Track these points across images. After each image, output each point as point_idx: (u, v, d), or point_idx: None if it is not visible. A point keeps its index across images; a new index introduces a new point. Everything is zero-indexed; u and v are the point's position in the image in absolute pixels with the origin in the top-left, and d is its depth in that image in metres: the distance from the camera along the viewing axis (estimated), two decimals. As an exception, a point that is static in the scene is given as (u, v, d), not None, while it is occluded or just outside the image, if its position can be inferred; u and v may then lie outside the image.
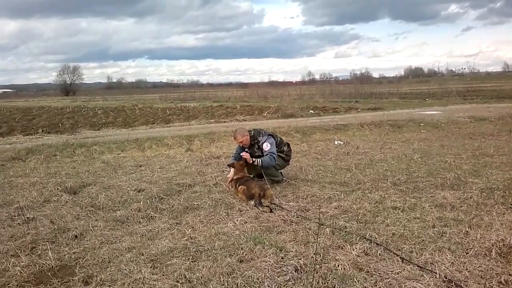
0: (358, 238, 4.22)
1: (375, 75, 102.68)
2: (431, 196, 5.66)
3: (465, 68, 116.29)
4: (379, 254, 3.85)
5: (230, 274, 3.53)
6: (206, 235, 4.49)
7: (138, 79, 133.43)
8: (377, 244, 4.04)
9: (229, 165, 6.73)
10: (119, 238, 4.56)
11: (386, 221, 4.73)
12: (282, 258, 3.80)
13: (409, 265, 3.62)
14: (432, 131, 13.17)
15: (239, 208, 5.48)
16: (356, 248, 3.94)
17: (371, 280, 3.38)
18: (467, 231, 4.32)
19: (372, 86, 44.10)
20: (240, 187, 5.93)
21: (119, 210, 5.53)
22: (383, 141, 11.24)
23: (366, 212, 5.08)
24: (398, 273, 3.47)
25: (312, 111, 22.42)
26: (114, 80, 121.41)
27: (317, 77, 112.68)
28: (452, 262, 3.64)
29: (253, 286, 3.35)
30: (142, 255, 4.03)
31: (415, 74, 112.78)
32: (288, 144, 7.07)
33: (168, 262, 3.82)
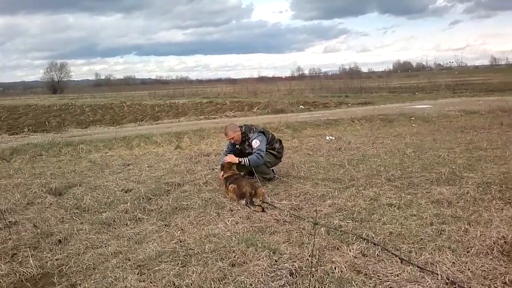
0: (354, 238, 4.06)
1: (364, 69, 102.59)
2: (427, 192, 5.52)
3: (453, 62, 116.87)
4: (377, 255, 3.69)
5: (221, 280, 3.35)
6: (196, 238, 4.30)
7: (127, 75, 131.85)
8: (375, 244, 3.88)
9: (221, 166, 6.53)
10: (104, 242, 4.35)
11: (382, 219, 4.57)
12: (276, 261, 3.62)
13: (409, 266, 3.46)
14: (424, 125, 13.07)
15: (230, 207, 5.30)
16: (353, 249, 3.77)
17: (370, 283, 3.22)
18: (466, 229, 4.18)
19: (362, 80, 43.96)
20: (230, 185, 5.74)
21: (106, 212, 5.32)
22: (374, 135, 11.11)
23: (361, 210, 4.92)
24: (398, 275, 3.32)
25: (302, 107, 22.25)
26: (103, 77, 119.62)
27: (306, 72, 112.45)
28: (453, 262, 3.49)
29: (246, 292, 3.17)
30: (129, 260, 3.83)
31: (403, 68, 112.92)
32: (280, 141, 6.89)
33: (156, 268, 3.62)
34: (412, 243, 3.92)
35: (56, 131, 15.93)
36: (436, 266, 3.43)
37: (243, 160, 6.23)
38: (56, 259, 3.96)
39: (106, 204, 5.65)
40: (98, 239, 4.46)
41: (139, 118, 19.78)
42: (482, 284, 3.15)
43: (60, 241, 4.45)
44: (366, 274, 3.36)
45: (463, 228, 4.18)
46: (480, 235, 4.00)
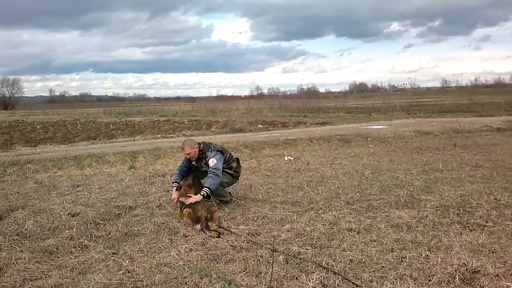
0: (314, 267, 3.86)
1: (322, 90, 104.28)
2: (386, 216, 5.44)
3: (406, 84, 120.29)
4: (338, 285, 3.52)
5: (171, 317, 3.07)
6: (145, 267, 4.00)
7: (82, 92, 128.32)
8: (335, 273, 3.70)
9: (176, 188, 6.23)
10: (45, 273, 3.99)
11: (342, 245, 4.42)
12: (231, 294, 3.38)
13: (371, 297, 3.30)
14: (380, 146, 13.22)
15: (184, 233, 5.02)
16: (313, 279, 3.59)
17: (331, 317, 3.03)
18: (427, 255, 4.08)
19: (319, 100, 44.62)
20: (185, 209, 5.45)
21: (49, 238, 4.92)
22: (332, 156, 11.09)
23: (320, 235, 4.75)
24: (359, 308, 3.15)
25: (261, 126, 22.21)
26: (57, 94, 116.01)
27: (265, 91, 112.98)
28: (416, 292, 3.36)
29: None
30: (70, 294, 3.50)
31: (359, 89, 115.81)
32: (238, 160, 6.68)
33: (100, 304, 3.31)
34: (373, 271, 3.77)
35: (2, 149, 15.11)
36: (398, 296, 3.29)
37: (205, 193, 5.90)
38: (-12, 295, 3.57)
39: (50, 230, 5.25)
40: (38, 269, 4.09)
41: (93, 136, 19.14)
42: (446, 316, 3.03)
43: (-6, 272, 4.04)
44: (327, 307, 3.18)
45: (423, 255, 4.08)
46: (441, 261, 3.90)
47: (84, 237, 4.94)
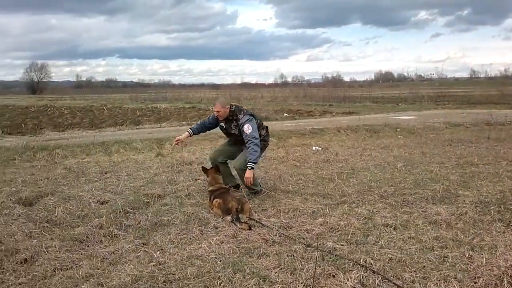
0: (351, 264, 3.71)
1: (346, 78, 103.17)
2: (422, 211, 5.23)
3: (433, 74, 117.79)
4: (378, 285, 3.35)
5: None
6: (177, 260, 3.91)
7: (108, 78, 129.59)
8: (374, 272, 3.54)
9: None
10: (75, 263, 3.93)
11: (379, 242, 4.24)
12: (266, 291, 3.26)
13: (414, 299, 3.13)
14: (410, 137, 12.87)
15: (214, 224, 4.91)
16: (351, 278, 3.43)
17: (373, 320, 2.88)
18: (470, 255, 3.87)
19: (345, 89, 44.02)
20: (215, 200, 5.34)
21: (78, 226, 4.88)
22: (361, 147, 10.84)
23: (355, 231, 4.58)
24: (402, 311, 2.99)
25: (286, 114, 21.99)
26: (84, 79, 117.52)
27: (289, 79, 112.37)
28: (462, 295, 3.18)
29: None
30: (102, 286, 3.43)
31: (385, 79, 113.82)
32: (267, 128, 6.40)
33: (132, 297, 3.23)
34: (414, 271, 3.59)
35: (32, 133, 15.32)
36: (443, 299, 3.11)
37: (252, 167, 5.77)
38: (19, 283, 3.53)
39: (80, 218, 5.21)
40: (68, 258, 4.04)
41: (120, 122, 19.24)
42: (497, 323, 2.84)
43: (26, 260, 4.00)
44: (368, 308, 3.03)
45: (467, 255, 3.87)
46: (486, 263, 3.69)
47: (113, 226, 4.89)
